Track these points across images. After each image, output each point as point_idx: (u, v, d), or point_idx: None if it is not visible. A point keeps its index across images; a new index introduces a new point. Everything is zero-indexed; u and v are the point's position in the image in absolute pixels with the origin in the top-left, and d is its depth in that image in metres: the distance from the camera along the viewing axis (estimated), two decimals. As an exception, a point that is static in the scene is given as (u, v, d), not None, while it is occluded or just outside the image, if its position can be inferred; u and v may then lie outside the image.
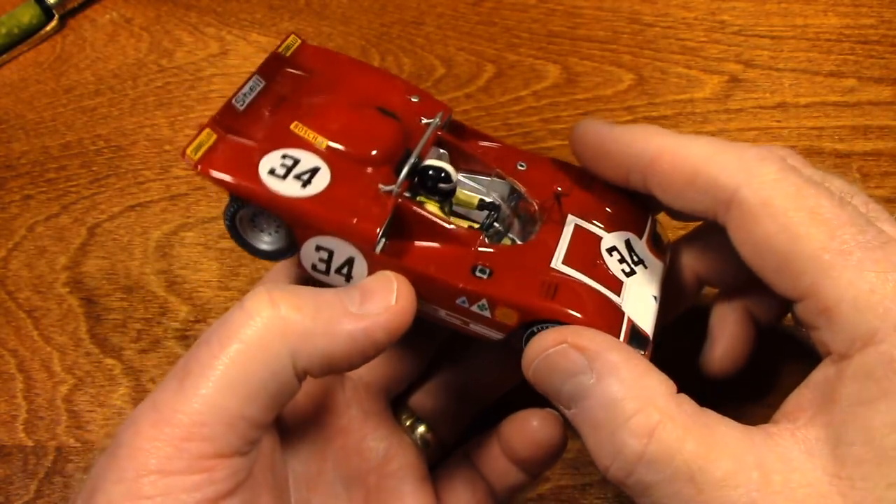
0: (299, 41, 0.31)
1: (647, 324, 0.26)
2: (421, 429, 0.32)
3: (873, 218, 0.24)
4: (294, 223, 0.26)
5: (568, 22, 0.49)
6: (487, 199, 0.29)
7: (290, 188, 0.26)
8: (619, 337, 0.25)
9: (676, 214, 0.29)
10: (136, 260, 0.43)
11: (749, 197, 0.23)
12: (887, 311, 0.21)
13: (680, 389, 0.23)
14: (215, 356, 0.22)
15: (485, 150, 0.31)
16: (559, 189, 0.29)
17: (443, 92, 0.47)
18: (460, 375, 0.33)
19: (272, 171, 0.26)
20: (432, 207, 0.28)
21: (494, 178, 0.30)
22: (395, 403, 0.33)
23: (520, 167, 0.30)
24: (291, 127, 0.28)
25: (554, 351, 0.24)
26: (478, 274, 0.26)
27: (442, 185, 0.27)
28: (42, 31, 0.53)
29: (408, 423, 0.32)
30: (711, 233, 0.30)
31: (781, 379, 0.37)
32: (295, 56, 0.31)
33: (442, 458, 0.32)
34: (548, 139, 0.44)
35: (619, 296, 0.26)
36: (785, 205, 0.23)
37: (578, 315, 0.25)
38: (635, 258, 0.28)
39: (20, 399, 0.39)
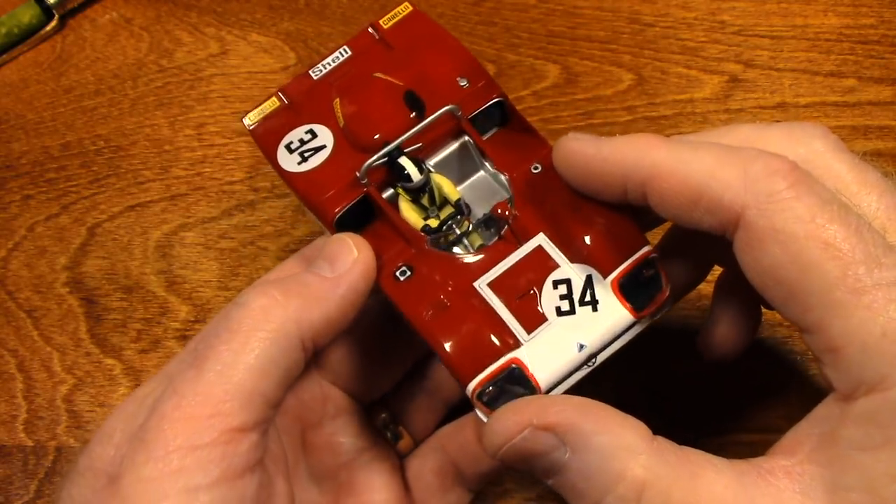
0: (410, 9, 0.32)
1: (546, 371, 0.24)
2: (392, 424, 0.32)
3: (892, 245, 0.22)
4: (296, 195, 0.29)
5: (568, 22, 0.49)
6: (463, 201, 0.29)
7: (290, 163, 0.29)
8: (481, 374, 0.24)
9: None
10: (136, 260, 0.43)
11: (756, 221, 0.22)
12: None
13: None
14: (229, 342, 0.24)
15: (505, 147, 0.29)
16: (548, 202, 0.26)
17: (443, 92, 0.47)
18: (432, 371, 0.33)
19: (288, 145, 0.29)
20: (405, 203, 0.28)
21: (490, 176, 0.29)
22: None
23: (534, 170, 0.28)
24: (334, 103, 0.29)
25: (521, 438, 0.22)
26: (398, 275, 0.26)
27: (404, 183, 0.28)
28: (42, 31, 0.53)
29: (380, 417, 0.32)
30: None
31: (768, 392, 0.37)
32: (395, 27, 0.31)
33: (414, 449, 0.33)
34: (548, 139, 0.44)
35: (529, 333, 0.24)
36: (796, 232, 0.21)
37: (443, 343, 0.24)
38: (586, 298, 0.25)
39: (20, 399, 0.39)
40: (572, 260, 0.25)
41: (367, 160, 0.27)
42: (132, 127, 0.48)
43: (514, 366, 0.24)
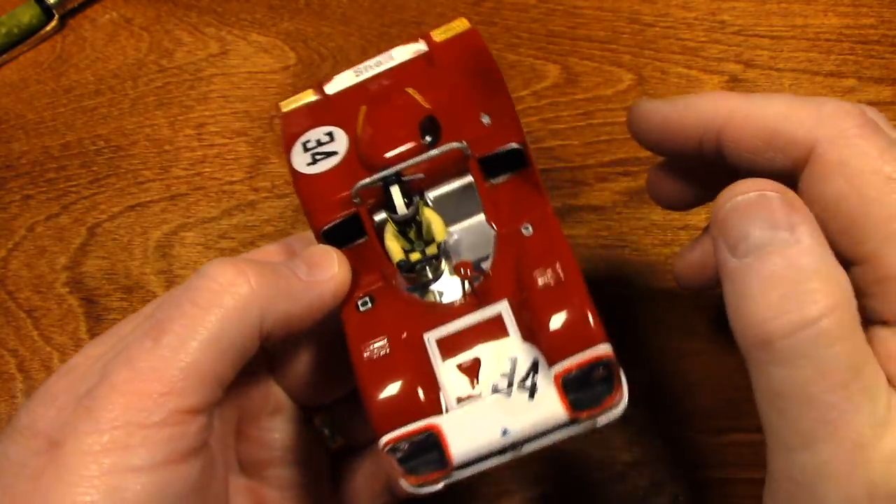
0: (467, 26, 0.31)
1: (463, 446, 0.23)
2: (331, 426, 0.32)
3: None
4: None
5: (568, 22, 0.49)
6: (447, 243, 0.27)
7: (301, 161, 0.28)
8: (398, 431, 0.23)
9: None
10: (136, 260, 0.43)
11: (826, 154, 0.23)
12: None
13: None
14: (190, 317, 0.24)
15: (506, 198, 0.27)
16: (525, 268, 0.24)
17: (443, 92, 0.47)
18: None
19: (306, 142, 0.29)
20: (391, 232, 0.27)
21: (481, 226, 0.27)
22: None
23: (524, 230, 0.26)
24: (360, 109, 0.29)
25: (762, 195, 0.22)
26: (359, 304, 0.26)
27: (389, 213, 0.27)
28: (42, 31, 0.53)
29: (319, 418, 0.32)
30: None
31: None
32: (445, 42, 0.31)
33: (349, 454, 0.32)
34: (548, 139, 0.44)
35: (458, 402, 0.23)
36: (861, 167, 0.22)
37: (370, 389, 0.23)
38: (526, 383, 0.23)
39: (20, 399, 0.39)
40: (526, 337, 0.24)
41: (365, 178, 0.27)
42: (132, 127, 0.48)
43: (432, 432, 0.23)
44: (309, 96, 0.31)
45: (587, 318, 0.23)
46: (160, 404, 0.22)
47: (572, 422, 0.22)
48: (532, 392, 0.23)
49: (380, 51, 0.46)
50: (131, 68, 0.51)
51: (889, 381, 0.21)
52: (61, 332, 0.41)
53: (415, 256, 0.26)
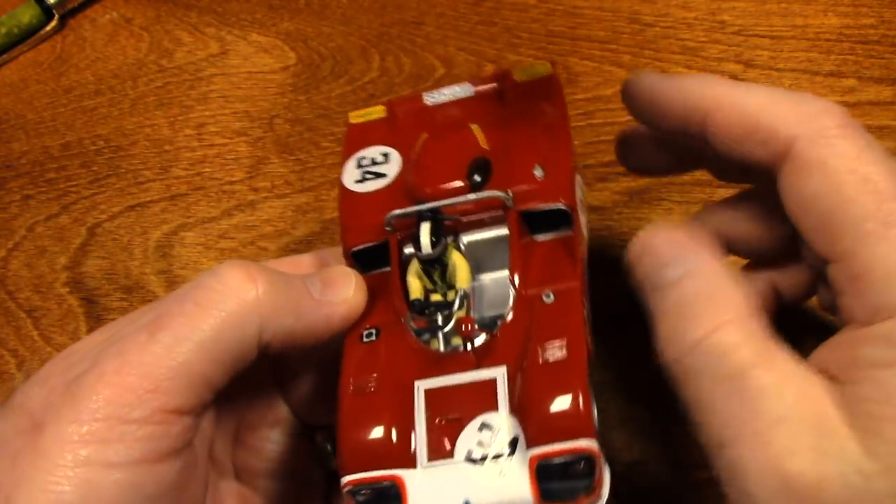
0: (549, 71, 0.30)
1: None
2: (329, 444, 0.31)
3: None
4: None
5: (568, 22, 0.49)
6: (464, 290, 0.26)
7: (350, 177, 0.28)
8: (361, 474, 0.22)
9: (726, 174, 0.28)
10: (136, 260, 0.43)
11: (805, 151, 0.23)
12: None
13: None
14: (189, 316, 0.23)
15: (538, 259, 0.26)
16: (534, 338, 0.23)
17: (443, 92, 0.47)
18: None
19: (360, 159, 0.29)
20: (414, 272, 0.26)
21: (507, 281, 0.26)
22: None
23: (545, 297, 0.24)
24: (421, 136, 0.28)
25: (653, 240, 0.24)
26: (364, 335, 0.25)
27: (416, 249, 0.26)
28: (42, 31, 0.53)
29: (319, 437, 0.31)
30: (744, 199, 0.29)
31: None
32: (523, 84, 0.29)
33: None
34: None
35: (430, 461, 0.22)
36: (839, 165, 0.23)
37: (345, 425, 0.23)
38: (500, 458, 0.22)
39: (20, 399, 0.39)
40: (514, 410, 0.22)
41: (404, 207, 0.26)
42: (132, 127, 0.48)
43: (395, 483, 0.22)
44: (379, 113, 0.30)
45: (578, 407, 0.22)
46: (144, 401, 0.22)
47: None
48: (505, 469, 0.22)
49: (380, 51, 0.47)
50: (131, 68, 0.51)
51: (836, 376, 0.22)
52: (61, 332, 0.41)
53: (435, 297, 0.26)
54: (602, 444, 0.22)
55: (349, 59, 0.49)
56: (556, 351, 0.23)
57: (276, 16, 0.52)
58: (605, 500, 0.22)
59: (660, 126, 0.27)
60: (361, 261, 0.27)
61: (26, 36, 0.53)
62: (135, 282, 0.42)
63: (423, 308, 0.25)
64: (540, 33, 0.49)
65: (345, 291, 0.26)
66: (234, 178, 0.45)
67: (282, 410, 0.30)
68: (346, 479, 0.23)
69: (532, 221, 0.26)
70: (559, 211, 0.26)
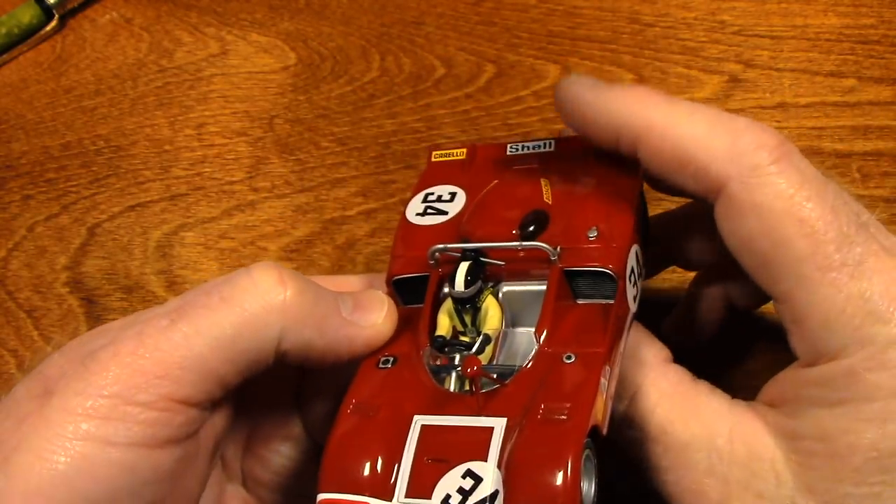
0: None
1: None
2: None
3: (864, 223, 0.23)
4: None
5: (568, 22, 0.49)
6: (487, 335, 0.25)
7: (413, 209, 0.29)
8: (336, 495, 0.22)
9: (661, 187, 0.28)
10: (136, 260, 0.43)
11: (738, 193, 0.23)
12: (856, 330, 0.21)
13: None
14: (213, 310, 0.23)
15: (570, 320, 0.25)
16: (539, 399, 0.23)
17: (443, 92, 0.47)
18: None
19: (428, 194, 0.29)
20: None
21: (528, 336, 0.25)
22: None
23: (566, 358, 0.24)
24: (492, 182, 0.29)
25: None
26: (381, 361, 0.25)
27: (450, 286, 0.25)
28: (42, 31, 0.53)
29: None
30: (693, 213, 0.30)
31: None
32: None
33: None
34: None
35: (406, 497, 0.22)
36: (773, 207, 0.22)
37: (335, 443, 0.23)
38: None
39: (20, 399, 0.39)
40: (501, 464, 0.21)
41: (453, 244, 0.26)
42: (132, 127, 0.48)
43: None
44: (460, 155, 0.30)
45: (565, 480, 0.20)
46: (152, 385, 0.22)
47: None
48: None
49: (380, 51, 0.47)
50: (131, 68, 0.51)
51: (780, 411, 0.23)
52: (61, 332, 0.41)
53: (465, 339, 0.25)
54: None
55: (349, 59, 0.49)
56: (558, 413, 0.22)
57: (276, 16, 0.52)
58: None
59: (593, 138, 0.26)
60: (403, 291, 0.27)
61: (26, 36, 0.53)
62: (135, 282, 0.42)
63: (443, 346, 0.25)
64: (540, 33, 0.49)
65: (375, 317, 0.26)
66: (234, 178, 0.45)
67: (296, 427, 0.30)
68: (321, 496, 0.23)
69: (578, 283, 0.26)
70: (605, 275, 0.25)
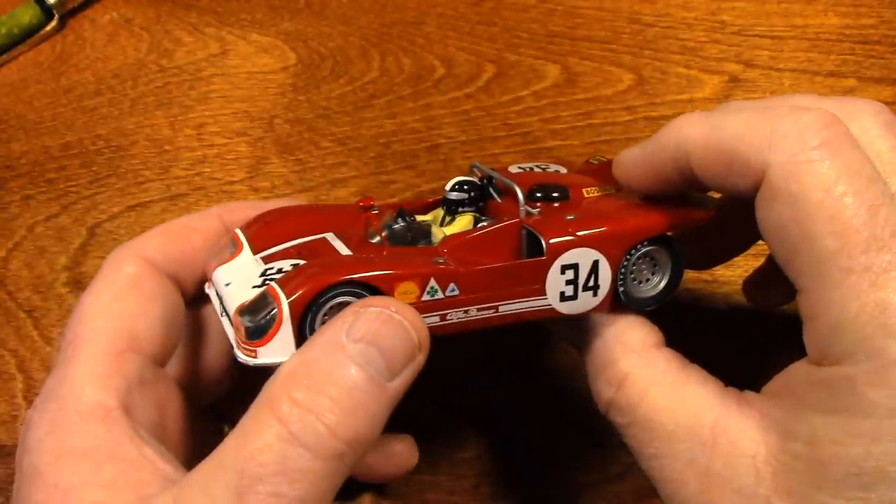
0: (605, 159, 0.33)
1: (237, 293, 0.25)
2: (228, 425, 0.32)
3: None
4: None
5: (568, 22, 0.49)
6: (426, 221, 0.29)
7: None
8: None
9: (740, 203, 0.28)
10: (136, 260, 0.43)
11: (775, 180, 0.22)
12: (865, 340, 0.20)
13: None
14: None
15: (479, 246, 0.27)
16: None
17: (443, 92, 0.47)
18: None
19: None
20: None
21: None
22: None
23: (437, 260, 0.26)
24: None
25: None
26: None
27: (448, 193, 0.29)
28: (42, 31, 0.53)
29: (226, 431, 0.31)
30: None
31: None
32: (601, 165, 0.33)
33: None
34: (548, 139, 0.44)
35: (257, 254, 0.27)
36: (808, 198, 0.21)
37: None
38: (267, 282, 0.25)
39: (20, 399, 0.39)
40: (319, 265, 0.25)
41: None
42: (132, 127, 0.48)
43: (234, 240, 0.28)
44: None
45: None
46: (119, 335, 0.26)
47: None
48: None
49: (380, 51, 0.46)
50: (131, 68, 0.51)
51: (783, 406, 0.23)
52: (61, 332, 0.41)
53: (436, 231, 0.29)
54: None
55: (349, 59, 0.49)
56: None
57: (276, 16, 0.52)
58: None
59: (663, 190, 0.26)
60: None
61: (26, 36, 0.53)
62: (135, 282, 0.42)
63: (401, 213, 0.28)
64: (540, 33, 0.49)
65: (411, 362, 0.23)
66: (234, 178, 0.45)
67: (177, 396, 0.29)
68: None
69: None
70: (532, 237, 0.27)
